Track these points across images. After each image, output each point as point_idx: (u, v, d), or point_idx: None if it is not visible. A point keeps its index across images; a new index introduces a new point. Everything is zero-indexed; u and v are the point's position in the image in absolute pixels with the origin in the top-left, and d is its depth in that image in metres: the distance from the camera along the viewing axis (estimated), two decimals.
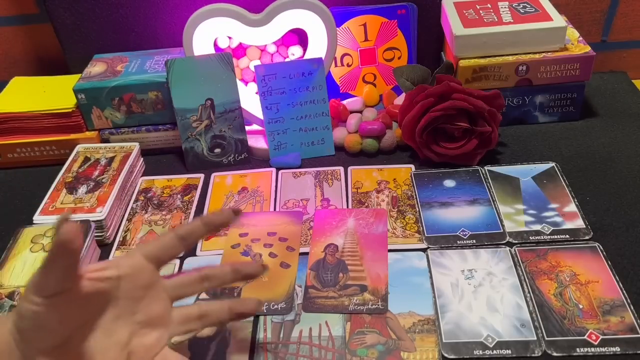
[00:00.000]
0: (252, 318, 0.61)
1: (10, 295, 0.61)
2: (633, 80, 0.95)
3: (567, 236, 0.66)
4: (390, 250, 0.67)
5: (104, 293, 0.44)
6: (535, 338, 0.56)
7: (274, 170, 0.82)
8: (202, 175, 0.82)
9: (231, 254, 0.69)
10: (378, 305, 0.61)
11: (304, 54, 0.85)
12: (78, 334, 0.43)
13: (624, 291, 0.59)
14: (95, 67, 0.86)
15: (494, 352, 0.55)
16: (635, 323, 0.56)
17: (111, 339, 0.44)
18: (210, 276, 0.49)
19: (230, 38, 0.84)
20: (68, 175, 0.78)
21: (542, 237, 0.66)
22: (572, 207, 0.70)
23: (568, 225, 0.68)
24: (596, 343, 0.55)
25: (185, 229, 0.48)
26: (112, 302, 0.45)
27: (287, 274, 0.65)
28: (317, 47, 0.83)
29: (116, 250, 0.71)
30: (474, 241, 0.67)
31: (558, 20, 0.81)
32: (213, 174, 0.82)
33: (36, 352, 0.41)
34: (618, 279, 0.60)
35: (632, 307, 0.57)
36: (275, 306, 0.61)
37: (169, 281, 0.48)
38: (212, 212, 0.50)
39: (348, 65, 0.90)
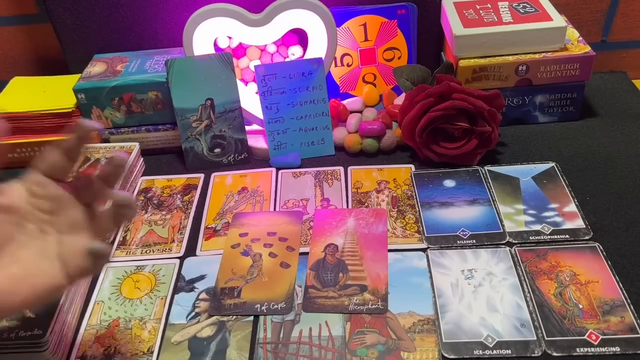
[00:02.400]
0: (252, 318, 0.61)
1: None
2: (633, 80, 0.95)
3: (567, 236, 0.66)
4: (390, 250, 0.67)
5: (13, 207, 0.46)
6: (535, 338, 0.56)
7: (274, 170, 0.82)
8: (202, 175, 0.82)
9: (231, 253, 0.69)
10: (378, 305, 0.61)
11: (304, 54, 0.85)
12: (6, 253, 0.45)
13: (624, 291, 0.59)
14: (95, 67, 0.86)
15: (494, 352, 0.55)
16: (635, 323, 0.56)
17: (41, 250, 0.46)
18: (59, 144, 0.50)
19: (230, 38, 0.84)
20: (68, 175, 0.77)
21: (542, 237, 0.66)
22: (572, 207, 0.70)
23: (568, 225, 0.68)
24: (596, 343, 0.55)
25: (61, 142, 0.50)
26: (30, 218, 0.47)
27: (287, 274, 0.65)
28: (317, 47, 0.83)
29: (116, 250, 0.71)
30: (474, 241, 0.67)
31: (558, 20, 0.81)
32: (213, 174, 0.82)
33: None
34: (618, 279, 0.60)
35: (632, 307, 0.57)
36: (275, 306, 0.61)
37: (58, 185, 0.50)
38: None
39: (348, 65, 0.90)
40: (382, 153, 0.83)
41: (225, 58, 0.79)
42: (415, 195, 0.75)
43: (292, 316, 0.61)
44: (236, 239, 0.70)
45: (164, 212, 0.76)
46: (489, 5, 0.87)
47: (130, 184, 0.79)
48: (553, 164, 0.77)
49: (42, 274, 0.46)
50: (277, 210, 0.75)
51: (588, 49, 0.81)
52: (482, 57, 0.82)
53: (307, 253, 0.68)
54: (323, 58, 0.81)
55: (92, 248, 0.47)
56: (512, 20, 0.82)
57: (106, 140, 0.86)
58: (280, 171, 0.82)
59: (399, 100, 0.88)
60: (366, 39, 0.88)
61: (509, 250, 0.65)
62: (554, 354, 0.54)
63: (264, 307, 0.62)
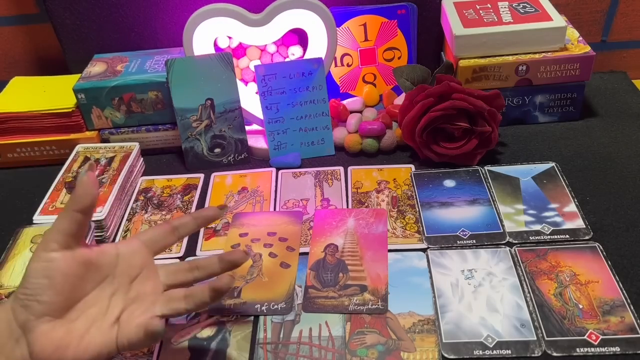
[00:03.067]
0: (252, 318, 0.61)
1: (10, 295, 0.61)
2: (633, 80, 0.95)
3: (567, 236, 0.66)
4: (390, 250, 0.67)
5: (101, 266, 0.49)
6: (535, 338, 0.56)
7: (274, 170, 0.82)
8: (202, 175, 0.82)
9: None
10: (378, 305, 0.61)
11: (304, 54, 0.85)
12: (77, 307, 0.48)
13: (624, 291, 0.59)
14: (95, 67, 0.86)
15: (494, 352, 0.55)
16: (635, 323, 0.56)
17: (106, 314, 0.49)
18: (200, 266, 0.54)
19: (230, 38, 0.84)
20: (68, 175, 0.78)
21: (542, 237, 0.66)
22: (572, 207, 0.70)
23: (568, 225, 0.68)
24: (596, 343, 0.55)
25: (178, 221, 0.55)
26: (108, 279, 0.50)
27: (287, 274, 0.65)
28: (317, 47, 0.83)
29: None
30: (474, 241, 0.67)
31: (558, 20, 0.81)
32: (213, 174, 0.82)
33: (36, 320, 0.45)
34: (618, 279, 0.60)
35: (632, 307, 0.57)
36: (275, 306, 0.61)
37: (162, 267, 0.54)
38: (201, 209, 0.57)
39: (348, 65, 0.90)
40: (382, 153, 0.83)
41: (225, 58, 0.79)
42: (415, 195, 0.75)
43: (292, 316, 0.61)
44: (236, 239, 0.70)
45: (164, 212, 0.76)
46: (489, 5, 0.87)
47: (131, 184, 0.79)
48: (553, 164, 0.77)
49: (99, 336, 0.48)
50: (277, 210, 0.75)
51: (588, 49, 0.81)
52: (482, 57, 0.82)
53: (307, 253, 0.68)
54: (323, 58, 0.81)
55: (152, 326, 0.48)
56: (512, 20, 0.82)
57: (106, 140, 0.86)
58: (280, 171, 0.82)
59: (399, 100, 0.88)
60: (366, 39, 0.88)
61: (509, 250, 0.65)
62: (554, 354, 0.54)
63: (264, 307, 0.61)
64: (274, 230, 0.71)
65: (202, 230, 0.72)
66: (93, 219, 0.69)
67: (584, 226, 0.67)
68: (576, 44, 0.83)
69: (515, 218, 0.69)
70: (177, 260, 0.69)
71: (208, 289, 0.50)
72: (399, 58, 0.90)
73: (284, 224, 0.72)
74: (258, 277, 0.65)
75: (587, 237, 0.66)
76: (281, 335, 0.59)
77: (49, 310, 0.46)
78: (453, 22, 0.83)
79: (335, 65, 0.90)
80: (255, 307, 0.62)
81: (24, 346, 0.46)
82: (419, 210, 0.72)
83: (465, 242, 0.67)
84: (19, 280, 0.62)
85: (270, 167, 0.83)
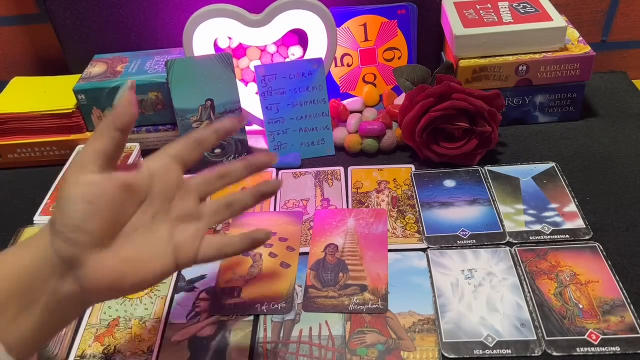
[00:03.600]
0: (252, 318, 0.61)
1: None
2: (633, 80, 0.95)
3: (567, 236, 0.66)
4: (390, 250, 0.67)
5: (139, 188, 0.46)
6: (535, 338, 0.56)
7: (274, 170, 0.82)
8: None
9: None
10: (378, 304, 0.61)
11: (304, 54, 0.86)
12: (122, 233, 0.45)
13: (624, 291, 0.59)
14: (95, 68, 0.86)
15: (494, 351, 0.55)
16: (635, 323, 0.56)
17: (153, 235, 0.46)
18: (227, 172, 0.53)
19: (230, 38, 0.84)
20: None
21: (542, 237, 0.66)
22: (572, 207, 0.70)
23: (568, 225, 0.68)
24: (596, 343, 0.55)
25: (200, 133, 0.52)
26: (147, 201, 0.47)
27: (287, 274, 0.65)
28: (317, 47, 0.83)
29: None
30: (474, 241, 0.67)
31: (558, 20, 0.81)
32: None
33: (84, 253, 0.42)
34: (618, 279, 0.60)
35: (632, 307, 0.57)
36: (276, 306, 0.61)
37: (192, 180, 0.52)
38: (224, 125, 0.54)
39: (348, 65, 0.90)
40: (382, 153, 0.83)
41: (225, 58, 0.79)
42: (415, 195, 0.75)
43: (292, 316, 0.61)
44: None
45: None
46: (489, 5, 0.87)
47: None
48: (553, 164, 0.77)
49: (154, 260, 0.45)
50: (277, 210, 0.75)
51: (588, 49, 0.81)
52: (482, 57, 0.82)
53: (307, 253, 0.68)
54: (323, 58, 0.82)
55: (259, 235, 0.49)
56: (512, 20, 0.82)
57: None
58: (280, 171, 0.82)
59: (399, 100, 0.88)
60: (366, 39, 0.89)
61: (509, 250, 0.65)
62: (554, 353, 0.54)
63: (264, 307, 0.62)
64: (274, 230, 0.71)
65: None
66: None
67: (584, 226, 0.67)
68: (576, 44, 0.83)
69: (515, 218, 0.69)
70: None
71: (250, 193, 0.50)
72: (399, 58, 0.90)
73: (284, 224, 0.72)
74: (258, 277, 0.65)
75: (587, 237, 0.66)
76: (281, 335, 0.59)
77: (97, 239, 0.42)
78: (453, 22, 0.83)
79: (335, 65, 0.90)
80: (256, 306, 0.62)
81: (71, 282, 0.42)
82: (419, 210, 0.72)
83: (465, 242, 0.67)
84: None
85: (270, 167, 0.83)
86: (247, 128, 0.84)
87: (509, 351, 0.55)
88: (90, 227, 0.42)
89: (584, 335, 0.55)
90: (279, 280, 0.65)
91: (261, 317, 0.61)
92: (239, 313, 0.61)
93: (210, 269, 0.67)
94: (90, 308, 0.63)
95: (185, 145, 0.51)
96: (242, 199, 0.51)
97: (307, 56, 0.85)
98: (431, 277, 0.63)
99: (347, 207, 0.74)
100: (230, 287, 0.64)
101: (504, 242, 0.66)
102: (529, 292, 0.60)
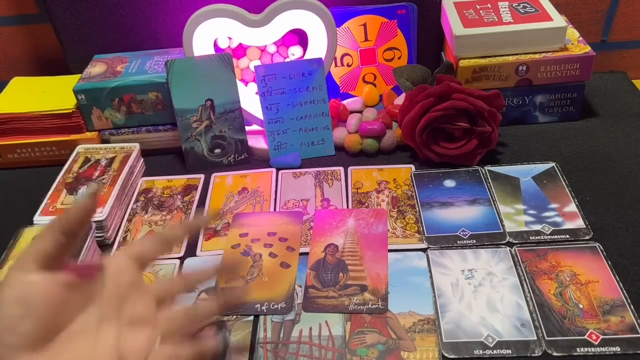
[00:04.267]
0: (252, 317, 0.61)
1: None
2: (633, 80, 0.95)
3: (567, 236, 0.66)
4: (390, 250, 0.67)
5: (86, 288, 0.42)
6: (535, 338, 0.56)
7: (274, 170, 0.82)
8: (202, 176, 0.82)
9: (231, 253, 0.69)
10: (378, 305, 0.61)
11: (304, 54, 0.85)
12: (61, 338, 0.40)
13: (624, 291, 0.59)
14: (95, 68, 0.86)
15: (494, 351, 0.55)
16: (636, 323, 0.56)
17: (97, 341, 0.42)
18: (188, 276, 0.50)
19: (230, 38, 0.84)
20: (68, 176, 0.78)
21: (542, 237, 0.66)
22: (572, 207, 0.70)
23: (568, 225, 0.68)
24: (596, 343, 0.55)
25: (166, 234, 0.48)
26: (96, 302, 0.43)
27: (287, 274, 0.65)
28: (317, 47, 0.83)
29: (116, 250, 0.71)
30: (474, 241, 0.67)
31: (558, 20, 0.81)
32: (213, 175, 0.82)
33: (12, 356, 0.38)
34: (618, 279, 0.60)
35: (632, 307, 0.57)
36: (275, 306, 0.61)
37: (151, 284, 0.48)
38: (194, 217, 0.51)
39: (348, 65, 0.90)
40: (382, 153, 0.83)
41: (225, 58, 0.79)
42: (416, 195, 0.75)
43: (292, 316, 0.61)
44: (236, 239, 0.70)
45: (164, 213, 0.76)
46: (489, 5, 0.87)
47: (131, 184, 0.79)
48: (553, 164, 0.77)
49: None
50: (278, 210, 0.75)
51: (588, 49, 0.81)
52: (482, 57, 0.82)
53: (307, 253, 0.68)
54: (323, 58, 0.82)
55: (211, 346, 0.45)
56: (512, 20, 0.82)
57: (106, 141, 0.86)
58: (281, 171, 0.82)
59: (399, 100, 0.88)
60: (366, 39, 0.88)
61: (509, 250, 0.65)
62: (554, 353, 0.54)
63: (264, 307, 0.62)
64: (274, 230, 0.71)
65: (202, 231, 0.72)
66: (93, 219, 0.69)
67: (584, 226, 0.67)
68: (576, 44, 0.83)
69: (515, 218, 0.69)
70: (177, 261, 0.69)
71: (215, 301, 0.47)
72: (399, 58, 0.90)
73: (284, 224, 0.72)
74: (258, 277, 0.65)
75: (587, 237, 0.66)
76: (281, 335, 0.59)
77: (29, 342, 0.39)
78: (453, 22, 0.83)
79: (335, 65, 0.90)
80: (255, 306, 0.62)
81: None
82: (419, 210, 0.72)
83: (465, 242, 0.67)
84: None
85: (271, 167, 0.83)
86: (247, 128, 0.84)
87: (509, 351, 0.55)
88: (23, 329, 0.38)
89: (584, 336, 0.55)
90: (279, 280, 0.65)
91: (261, 317, 0.61)
92: (239, 313, 0.61)
93: None
94: None
95: (149, 246, 0.47)
96: (206, 306, 0.47)
97: (307, 56, 0.85)
98: (431, 277, 0.63)
99: (347, 207, 0.74)
100: (231, 287, 0.64)
101: (504, 242, 0.66)
102: (529, 292, 0.60)
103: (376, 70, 0.91)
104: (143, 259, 0.46)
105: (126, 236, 0.73)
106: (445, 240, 0.67)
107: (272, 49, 0.85)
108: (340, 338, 0.58)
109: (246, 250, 0.69)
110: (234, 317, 0.61)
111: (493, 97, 0.75)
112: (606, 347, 0.54)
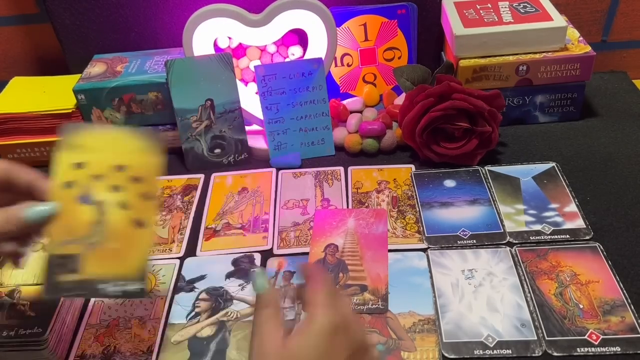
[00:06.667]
0: (252, 317, 0.60)
1: (10, 294, 0.61)
2: (633, 80, 0.95)
3: (568, 236, 0.66)
4: (390, 250, 0.67)
5: None
6: (535, 338, 0.56)
7: (274, 170, 0.82)
8: (202, 176, 0.82)
9: (63, 197, 0.47)
10: (378, 305, 0.61)
11: (304, 54, 0.85)
12: None
13: (624, 291, 0.59)
14: (95, 68, 0.86)
15: (495, 351, 0.55)
16: (636, 323, 0.56)
17: None
18: None
19: (230, 38, 0.84)
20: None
21: (542, 237, 0.66)
22: (572, 207, 0.70)
23: (568, 225, 0.68)
24: (596, 343, 0.55)
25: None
26: None
27: (139, 237, 0.46)
28: (317, 47, 0.83)
29: None
30: (474, 241, 0.67)
31: (558, 20, 0.81)
32: (213, 174, 0.82)
33: None
34: (618, 279, 0.60)
35: (632, 307, 0.57)
36: (125, 287, 0.44)
37: None
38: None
39: (348, 65, 0.90)
40: (382, 153, 0.83)
41: (225, 58, 0.79)
42: (416, 195, 0.75)
43: (292, 316, 0.61)
44: (70, 173, 0.48)
45: (164, 213, 0.76)
46: (489, 5, 0.87)
47: None
48: (553, 164, 0.77)
49: None
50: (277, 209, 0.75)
51: (588, 48, 0.81)
52: (482, 57, 0.82)
53: (307, 253, 0.68)
54: (323, 58, 0.81)
55: None
56: (512, 20, 0.82)
57: None
58: (281, 171, 0.82)
59: (399, 100, 0.88)
60: (366, 39, 0.88)
61: (510, 250, 0.65)
62: (555, 353, 0.54)
63: (110, 289, 0.45)
64: (124, 161, 0.48)
65: (202, 231, 0.72)
66: None
67: (584, 226, 0.67)
68: (576, 44, 0.83)
69: (515, 218, 0.69)
70: (177, 261, 0.68)
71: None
72: (399, 58, 0.90)
73: (138, 151, 0.49)
74: (102, 243, 0.46)
75: (587, 237, 0.66)
76: None
77: None
78: (453, 22, 0.83)
79: (335, 65, 0.90)
80: (99, 287, 0.45)
81: None
82: (419, 210, 0.72)
83: (465, 242, 0.67)
84: (19, 279, 0.63)
85: (271, 167, 0.83)
86: (247, 128, 0.84)
87: (510, 351, 0.55)
88: None
89: (584, 336, 0.55)
90: (130, 246, 0.46)
91: None
92: (80, 296, 0.48)
93: (210, 269, 0.67)
94: (90, 308, 0.63)
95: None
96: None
97: (307, 56, 0.85)
98: (431, 277, 0.63)
99: (348, 207, 0.74)
100: (65, 255, 0.46)
101: (505, 242, 0.66)
102: (529, 292, 0.60)
103: (376, 70, 0.91)
104: None
105: None
106: (446, 240, 0.67)
107: (272, 48, 0.85)
108: None
109: (85, 196, 0.47)
110: (234, 317, 0.61)
111: (493, 97, 0.75)
112: (606, 347, 0.54)
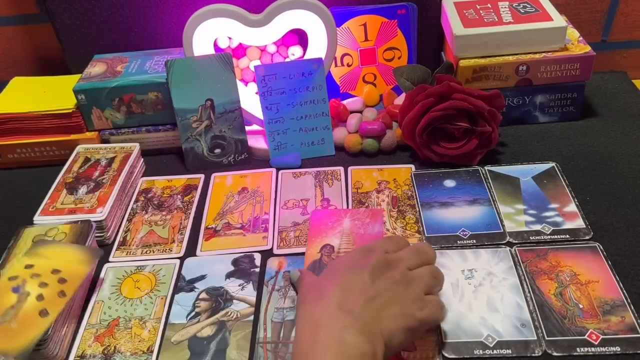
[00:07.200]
0: (252, 317, 0.61)
1: None
2: (633, 80, 0.95)
3: (568, 236, 0.66)
4: None
5: None
6: (535, 338, 0.56)
7: (274, 170, 0.82)
8: (202, 176, 0.82)
9: (1, 286, 0.58)
10: None
11: (304, 54, 0.85)
12: None
13: (624, 291, 0.59)
14: (95, 68, 0.86)
15: (494, 351, 0.55)
16: (636, 323, 0.56)
17: None
18: None
19: (230, 38, 0.84)
20: (68, 176, 0.78)
21: (542, 237, 0.66)
22: (572, 207, 0.70)
23: (568, 225, 0.68)
24: (596, 343, 0.55)
25: None
26: None
27: (38, 325, 0.55)
28: (317, 47, 0.83)
29: (116, 250, 0.71)
30: (474, 241, 0.67)
31: (558, 20, 0.81)
32: (213, 175, 0.82)
33: None
34: (618, 279, 0.60)
35: (632, 307, 0.57)
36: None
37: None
38: None
39: (348, 65, 0.90)
40: (382, 153, 0.83)
41: (225, 58, 0.79)
42: (416, 195, 0.75)
43: (292, 316, 0.61)
44: (20, 270, 0.60)
45: (164, 213, 0.76)
46: (489, 5, 0.87)
47: (131, 184, 0.79)
48: (553, 164, 0.77)
49: None
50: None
51: (588, 48, 0.81)
52: (482, 57, 0.82)
53: (303, 254, 0.68)
54: (323, 58, 0.81)
55: None
56: (512, 20, 0.82)
57: (106, 141, 0.86)
58: (281, 171, 0.82)
59: (399, 100, 0.88)
60: (366, 39, 0.88)
61: (509, 250, 0.65)
62: (555, 353, 0.54)
63: None
64: (60, 267, 0.60)
65: (202, 231, 0.72)
66: (94, 219, 0.70)
67: (584, 226, 0.67)
68: (576, 44, 0.83)
69: (515, 218, 0.69)
70: (177, 261, 0.69)
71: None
72: (399, 58, 0.90)
73: (74, 263, 0.62)
74: (7, 322, 0.55)
75: (587, 237, 0.66)
76: (281, 335, 0.59)
77: None
78: (453, 22, 0.83)
79: (335, 65, 0.90)
80: None
81: None
82: (419, 210, 0.72)
83: (465, 242, 0.67)
84: None
85: (271, 167, 0.83)
86: (247, 128, 0.84)
87: (509, 351, 0.55)
88: None
89: (584, 336, 0.55)
90: (25, 330, 0.54)
91: (261, 317, 0.61)
92: None
93: (210, 269, 0.67)
94: (90, 308, 0.63)
95: None
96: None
97: (307, 56, 0.85)
98: None
99: (348, 207, 0.74)
100: None
101: (504, 242, 0.66)
102: (529, 292, 0.60)
103: (376, 70, 0.91)
104: None
105: (126, 236, 0.73)
106: (445, 240, 0.67)
107: (272, 48, 0.85)
108: None
109: (18, 286, 0.58)
110: (234, 317, 0.61)
111: (493, 97, 0.75)
112: (606, 347, 0.54)
